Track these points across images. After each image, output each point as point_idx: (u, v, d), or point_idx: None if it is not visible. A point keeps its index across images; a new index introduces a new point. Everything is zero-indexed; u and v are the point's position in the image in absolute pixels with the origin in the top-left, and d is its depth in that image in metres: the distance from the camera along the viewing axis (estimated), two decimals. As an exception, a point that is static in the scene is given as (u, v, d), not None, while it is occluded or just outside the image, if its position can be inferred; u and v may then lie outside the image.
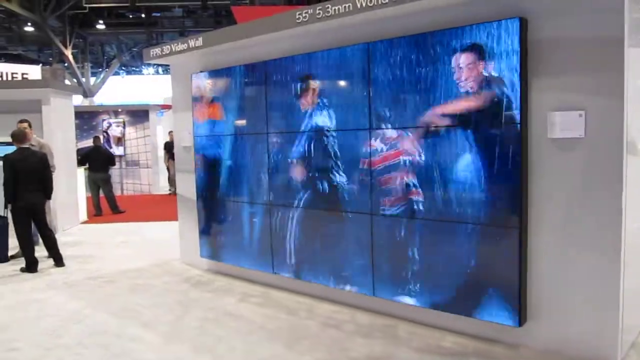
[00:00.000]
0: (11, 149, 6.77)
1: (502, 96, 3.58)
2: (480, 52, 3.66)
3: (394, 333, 4.22)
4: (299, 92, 4.87)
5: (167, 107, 16.44)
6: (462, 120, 3.79)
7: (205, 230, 6.11)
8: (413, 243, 4.15)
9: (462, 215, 3.85)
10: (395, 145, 4.18)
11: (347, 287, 4.68)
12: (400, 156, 4.16)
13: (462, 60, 3.75)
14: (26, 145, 6.67)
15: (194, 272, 6.27)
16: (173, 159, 13.38)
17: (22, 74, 20.00)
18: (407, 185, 4.14)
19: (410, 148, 4.10)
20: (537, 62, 3.55)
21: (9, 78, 19.13)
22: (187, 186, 6.45)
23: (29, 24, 20.48)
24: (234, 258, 5.77)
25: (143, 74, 31.66)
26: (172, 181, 14.13)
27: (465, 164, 3.80)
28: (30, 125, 7.36)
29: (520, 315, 3.67)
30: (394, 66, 4.14)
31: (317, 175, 4.80)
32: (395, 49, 4.12)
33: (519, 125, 3.54)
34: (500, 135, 3.62)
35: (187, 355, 3.95)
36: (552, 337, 3.69)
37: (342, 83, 4.57)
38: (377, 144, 4.31)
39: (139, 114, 15.23)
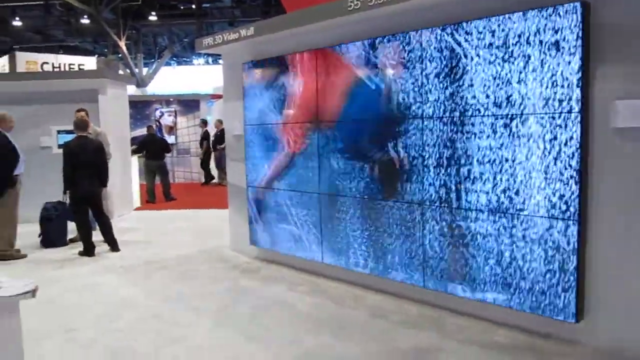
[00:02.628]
0: (70, 137, 7.01)
1: (564, 84, 3.45)
2: (540, 37, 3.54)
3: (443, 325, 4.17)
4: (352, 80, 4.82)
5: (217, 96, 16.68)
6: (522, 109, 3.68)
7: (254, 218, 6.17)
8: (464, 235, 4.07)
9: (519, 206, 3.74)
10: (470, 134, 4.08)
11: (396, 277, 4.63)
12: (467, 147, 4.08)
13: (522, 45, 3.64)
14: (85, 134, 6.88)
15: (243, 260, 6.36)
16: (214, 149, 13.67)
17: (79, 64, 20.73)
18: (466, 176, 4.06)
19: (474, 138, 4.01)
20: (599, 48, 3.40)
21: (67, 69, 19.85)
22: (238, 175, 6.53)
23: (85, 16, 21.05)
24: (283, 246, 5.81)
25: (193, 64, 32.14)
26: (208, 170, 14.39)
27: (525, 153, 3.69)
28: (87, 114, 7.58)
29: (578, 311, 3.55)
30: (458, 53, 4.05)
31: (369, 163, 4.76)
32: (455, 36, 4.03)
33: (580, 114, 3.41)
34: (561, 125, 3.49)
35: (237, 342, 4.01)
36: (610, 335, 3.55)
37: (401, 69, 4.48)
38: (439, 131, 4.24)
39: (189, 104, 15.53)
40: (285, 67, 5.51)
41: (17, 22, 21.40)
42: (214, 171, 14.45)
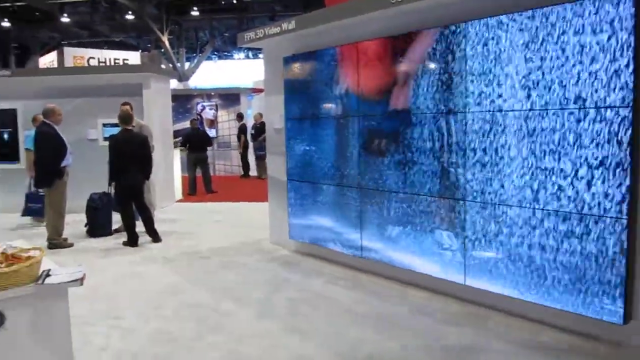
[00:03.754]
0: (115, 130, 7.18)
1: (615, 74, 3.33)
2: (588, 24, 3.42)
3: (487, 323, 4.09)
4: (395, 73, 4.77)
5: (257, 90, 16.80)
6: (572, 101, 3.57)
7: (294, 212, 6.19)
8: (510, 231, 3.98)
9: (566, 203, 3.64)
10: (515, 127, 3.99)
11: (438, 274, 4.58)
12: (515, 141, 3.99)
13: (570, 34, 3.53)
14: (129, 127, 7.03)
15: (282, 253, 6.39)
16: (254, 141, 13.76)
17: (123, 59, 21.19)
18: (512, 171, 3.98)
19: (522, 132, 3.92)
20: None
21: (112, 63, 20.31)
22: (278, 168, 6.56)
23: (130, 12, 21.52)
24: (322, 240, 5.81)
25: (234, 59, 32.47)
26: (246, 164, 14.51)
27: (573, 148, 3.58)
28: (131, 108, 7.74)
29: (626, 312, 3.43)
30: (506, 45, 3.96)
31: (409, 157, 4.70)
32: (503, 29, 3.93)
33: (632, 108, 3.28)
34: (612, 117, 3.37)
35: (278, 333, 4.03)
36: (662, 337, 3.43)
37: (443, 64, 4.41)
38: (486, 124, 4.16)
39: (230, 97, 15.69)
40: (326, 61, 5.50)
41: (65, 19, 22.03)
42: (253, 164, 14.58)
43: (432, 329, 4.03)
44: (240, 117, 14.81)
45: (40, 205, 7.73)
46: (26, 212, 8.15)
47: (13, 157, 9.42)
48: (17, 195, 8.44)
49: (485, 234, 4.15)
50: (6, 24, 22.44)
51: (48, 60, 21.57)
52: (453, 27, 4.23)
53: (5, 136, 9.61)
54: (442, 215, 4.47)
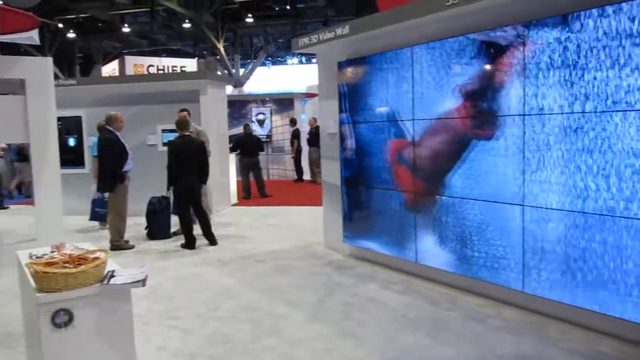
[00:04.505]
0: (173, 136, 7.40)
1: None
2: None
3: (544, 332, 3.98)
4: (451, 77, 4.71)
5: (310, 95, 16.91)
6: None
7: (348, 216, 6.20)
8: (569, 237, 3.86)
9: (629, 208, 3.49)
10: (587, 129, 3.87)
11: (494, 280, 4.48)
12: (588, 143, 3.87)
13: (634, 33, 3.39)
14: (187, 133, 7.23)
15: (336, 257, 6.41)
16: (309, 146, 13.86)
17: (181, 66, 21.80)
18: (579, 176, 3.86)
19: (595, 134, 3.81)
20: None
21: (170, 70, 20.93)
22: (332, 172, 6.59)
23: (187, 21, 22.12)
24: (376, 245, 5.79)
25: (287, 64, 32.83)
26: (299, 168, 14.62)
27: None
28: (189, 114, 7.96)
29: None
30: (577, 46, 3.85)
31: (467, 162, 4.63)
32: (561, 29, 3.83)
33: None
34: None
35: (332, 337, 4.05)
36: None
37: (501, 66, 4.33)
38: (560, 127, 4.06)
39: (284, 102, 15.87)
40: (380, 65, 5.49)
41: (126, 29, 22.86)
42: (306, 169, 14.68)
43: (486, 336, 3.96)
44: (293, 122, 14.95)
45: (106, 210, 8.05)
46: (93, 216, 8.49)
47: (79, 162, 9.85)
48: (83, 199, 8.82)
49: (544, 241, 4.04)
50: (72, 35, 23.49)
51: (110, 68, 22.48)
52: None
53: (71, 142, 10.06)
54: (500, 222, 4.37)
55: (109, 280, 2.88)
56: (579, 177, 3.75)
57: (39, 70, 6.51)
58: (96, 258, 2.99)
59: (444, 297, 4.84)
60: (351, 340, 3.98)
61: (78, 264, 2.88)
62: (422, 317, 4.40)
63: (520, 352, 3.68)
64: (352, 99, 5.94)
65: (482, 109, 4.43)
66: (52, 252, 3.29)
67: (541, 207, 4.02)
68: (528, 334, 3.96)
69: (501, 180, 4.32)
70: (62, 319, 2.78)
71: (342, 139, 6.15)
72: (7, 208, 11.55)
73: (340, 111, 6.13)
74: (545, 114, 3.93)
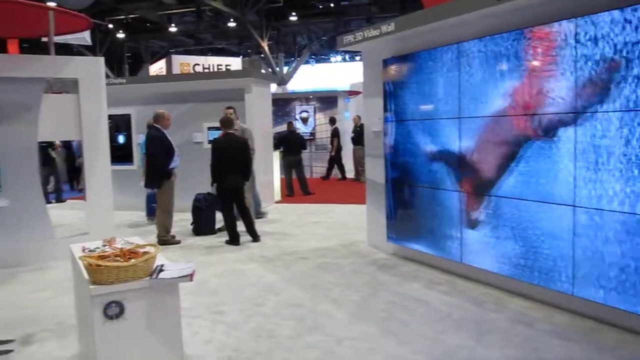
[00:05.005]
0: (218, 134, 7.52)
1: None
2: None
3: (596, 337, 3.85)
4: (503, 74, 4.61)
5: (354, 93, 16.88)
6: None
7: (392, 215, 6.17)
8: (626, 240, 3.72)
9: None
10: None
11: (543, 283, 4.37)
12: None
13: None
14: (231, 131, 7.33)
15: (379, 256, 6.38)
16: (354, 144, 13.88)
17: (226, 65, 22.11)
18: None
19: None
20: None
21: (215, 69, 21.26)
22: (376, 171, 6.56)
23: (232, 20, 22.41)
24: (420, 244, 5.74)
25: (331, 62, 32.87)
26: (341, 166, 14.61)
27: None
28: (235, 112, 8.07)
29: None
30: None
31: (520, 161, 4.52)
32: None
33: None
34: None
35: (375, 336, 4.04)
36: None
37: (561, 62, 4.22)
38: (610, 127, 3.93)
39: (327, 100, 15.89)
40: (426, 62, 5.43)
41: (172, 28, 23.35)
42: (349, 167, 14.68)
43: (534, 340, 3.86)
44: (332, 121, 14.94)
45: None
46: (149, 211, 8.71)
47: (128, 159, 10.12)
48: (131, 194, 9.06)
49: (597, 243, 3.91)
50: (121, 35, 24.15)
51: (157, 67, 22.95)
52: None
53: (121, 139, 10.34)
54: (551, 223, 4.26)
55: (158, 275, 2.95)
56: (637, 179, 3.62)
57: (92, 70, 6.74)
58: (146, 252, 3.07)
59: (489, 298, 4.75)
60: (394, 339, 3.96)
61: (129, 258, 2.96)
62: (467, 318, 4.33)
63: (572, 358, 3.58)
64: (397, 97, 5.89)
65: (534, 107, 4.32)
66: (104, 245, 3.39)
67: (595, 209, 3.89)
68: (579, 339, 3.84)
69: (552, 180, 4.20)
70: (114, 310, 2.86)
71: (387, 137, 6.11)
72: (64, 201, 11.97)
73: (385, 109, 6.09)
74: (600, 112, 3.81)
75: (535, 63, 4.27)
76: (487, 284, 5.04)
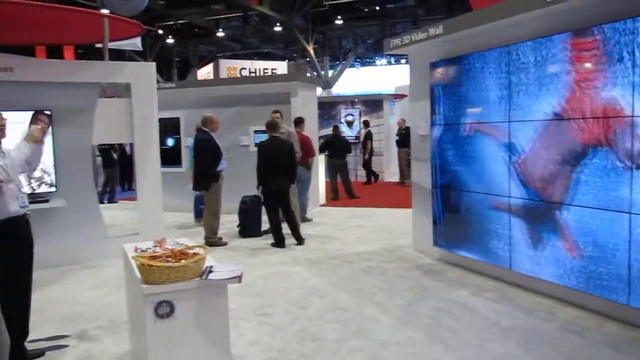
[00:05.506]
0: (264, 137, 7.61)
1: None
2: None
3: (652, 350, 3.72)
4: (558, 77, 4.48)
5: (399, 96, 16.77)
6: None
7: (439, 220, 6.09)
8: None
9: None
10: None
11: (595, 292, 4.23)
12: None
13: None
14: (277, 134, 7.41)
15: (425, 261, 6.32)
16: (399, 147, 13.83)
17: (272, 69, 22.35)
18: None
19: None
20: None
21: (261, 73, 21.52)
22: (422, 175, 6.50)
23: (278, 24, 22.64)
24: (468, 250, 5.65)
25: (376, 65, 32.76)
26: (370, 170, 14.59)
27: None
28: (281, 116, 8.14)
29: None
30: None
31: (575, 167, 4.39)
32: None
33: None
34: None
35: (421, 342, 4.00)
36: None
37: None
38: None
39: (373, 104, 15.84)
40: (474, 65, 5.35)
41: (220, 33, 23.76)
42: (395, 170, 14.62)
43: (585, 350, 3.75)
44: (366, 124, 14.89)
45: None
46: (198, 213, 8.87)
47: (176, 161, 10.35)
48: (179, 196, 9.27)
49: (653, 250, 3.77)
50: (170, 40, 24.75)
51: (205, 72, 23.44)
52: None
53: (170, 142, 10.59)
54: (606, 231, 4.13)
55: (207, 275, 3.01)
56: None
57: (143, 75, 6.94)
58: (196, 254, 3.13)
59: (539, 306, 4.63)
60: (441, 346, 3.91)
61: (180, 259, 3.03)
62: (516, 326, 4.23)
63: (625, 370, 3.46)
64: (445, 100, 5.82)
65: (594, 111, 4.19)
66: (155, 246, 3.48)
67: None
68: (632, 351, 3.71)
69: (608, 186, 4.07)
70: (164, 310, 2.93)
71: (434, 140, 6.04)
72: (116, 202, 12.36)
73: (432, 112, 6.03)
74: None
75: (594, 65, 4.14)
76: (537, 292, 4.91)
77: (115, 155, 12.88)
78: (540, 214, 4.68)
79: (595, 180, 4.15)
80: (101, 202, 12.10)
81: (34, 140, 3.73)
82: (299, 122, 9.05)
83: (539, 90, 4.60)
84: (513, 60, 4.86)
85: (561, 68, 4.38)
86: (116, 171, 12.89)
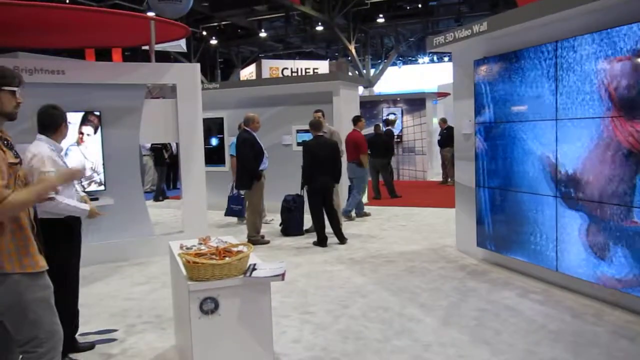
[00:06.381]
0: (306, 136, 7.65)
1: None
2: None
3: None
4: (608, 74, 4.33)
5: (442, 94, 16.56)
6: None
7: (482, 220, 5.99)
8: None
9: None
10: None
11: (649, 295, 4.08)
12: None
13: None
14: (321, 133, 7.43)
15: (469, 261, 6.22)
16: (440, 147, 13.71)
17: (314, 68, 22.43)
18: None
19: None
20: None
21: (303, 73, 21.63)
22: (466, 174, 6.40)
23: (320, 23, 22.69)
24: (513, 250, 5.53)
25: (418, 63, 32.47)
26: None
27: None
28: (323, 115, 8.16)
29: None
30: None
31: (627, 164, 4.25)
32: None
33: None
34: None
35: (465, 343, 3.94)
36: None
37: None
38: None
39: (415, 102, 15.69)
40: (520, 62, 5.23)
41: (262, 34, 23.99)
42: (438, 169, 14.48)
43: (637, 356, 3.62)
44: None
45: (240, 207, 8.50)
46: (228, 212, 8.99)
47: (220, 160, 10.52)
48: (223, 195, 9.40)
49: None
50: (214, 41, 25.14)
51: (247, 72, 23.69)
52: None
53: (214, 142, 10.76)
54: (656, 230, 3.98)
55: (251, 273, 3.05)
56: None
57: (188, 76, 7.07)
58: (240, 251, 3.18)
59: (588, 310, 4.50)
60: (486, 348, 3.84)
61: (224, 256, 3.08)
62: (564, 330, 4.12)
63: (681, 377, 3.33)
64: (490, 98, 5.71)
65: None
66: (200, 244, 3.54)
67: None
68: (690, 357, 3.57)
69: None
70: (209, 306, 2.99)
71: (478, 139, 5.94)
72: (161, 200, 12.65)
73: (477, 111, 5.93)
74: None
75: (643, 61, 4.00)
76: (586, 294, 4.77)
77: (166, 155, 13.16)
78: (586, 214, 4.54)
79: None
80: (157, 199, 12.51)
81: (89, 216, 3.76)
82: (356, 120, 9.25)
83: (592, 87, 4.45)
84: (563, 57, 4.71)
85: (615, 64, 4.23)
86: (164, 170, 13.21)
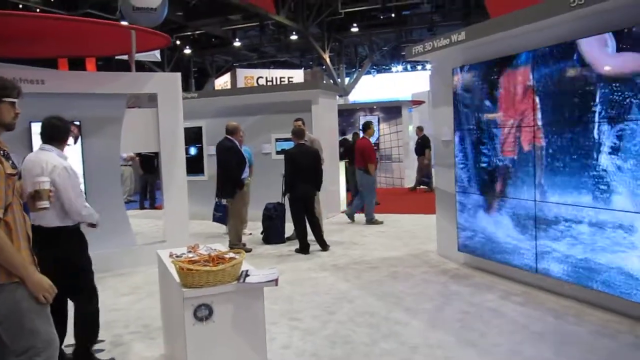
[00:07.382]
0: (286, 145, 7.69)
1: None
2: None
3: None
4: (579, 82, 4.51)
5: (417, 102, 16.78)
6: None
7: (463, 224, 6.10)
8: None
9: None
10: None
11: (627, 296, 4.22)
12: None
13: None
14: (302, 142, 7.49)
15: (451, 265, 6.33)
16: (417, 155, 13.90)
17: (289, 77, 22.50)
18: None
19: None
20: None
21: (278, 82, 21.67)
22: (446, 180, 6.53)
23: (294, 33, 22.80)
24: (493, 254, 5.65)
25: (392, 72, 32.80)
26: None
27: None
28: (303, 123, 8.22)
29: None
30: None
31: (595, 170, 4.41)
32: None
33: None
34: None
35: (451, 345, 4.03)
36: None
37: None
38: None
39: (392, 110, 15.86)
40: (497, 71, 5.38)
41: (237, 43, 23.98)
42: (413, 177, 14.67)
43: (619, 354, 3.77)
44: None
45: (221, 214, 8.47)
46: (214, 219, 8.94)
47: (199, 170, 10.46)
48: (202, 204, 9.35)
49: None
50: (187, 50, 25.04)
51: (222, 81, 23.67)
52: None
53: (193, 151, 10.72)
54: (627, 231, 4.13)
55: (244, 279, 3.08)
56: None
57: (170, 85, 7.07)
58: (232, 258, 3.21)
59: (568, 310, 4.63)
60: (472, 349, 3.93)
61: (217, 263, 3.11)
62: (546, 330, 4.25)
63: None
64: (468, 106, 5.85)
65: (616, 115, 4.22)
66: (189, 251, 3.56)
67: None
68: (667, 353, 3.71)
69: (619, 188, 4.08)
70: (203, 313, 3.01)
71: (457, 146, 6.07)
72: (158, 207, 12.45)
73: (455, 118, 6.06)
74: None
75: (621, 68, 4.17)
76: (566, 295, 4.90)
77: (157, 163, 13.03)
78: (565, 217, 4.68)
79: (616, 183, 4.15)
80: (142, 207, 12.35)
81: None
82: (366, 127, 9.58)
83: (565, 96, 4.61)
84: (539, 65, 4.87)
85: (586, 72, 4.40)
86: (156, 178, 13.08)
